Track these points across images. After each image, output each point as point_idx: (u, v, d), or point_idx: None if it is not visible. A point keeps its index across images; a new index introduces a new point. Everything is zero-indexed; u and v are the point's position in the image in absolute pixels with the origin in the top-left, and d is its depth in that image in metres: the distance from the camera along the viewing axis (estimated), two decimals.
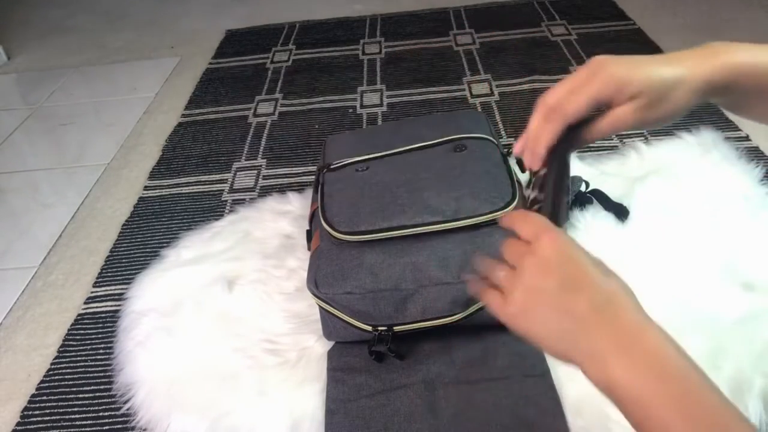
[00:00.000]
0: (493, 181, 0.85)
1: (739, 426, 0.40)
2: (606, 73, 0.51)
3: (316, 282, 0.81)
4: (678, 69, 0.50)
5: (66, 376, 0.92)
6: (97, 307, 1.04)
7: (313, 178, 1.26)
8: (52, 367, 0.94)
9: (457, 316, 0.78)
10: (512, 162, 0.96)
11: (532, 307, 0.45)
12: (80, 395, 0.89)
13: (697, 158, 1.13)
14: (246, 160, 1.38)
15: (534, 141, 0.53)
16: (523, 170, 0.95)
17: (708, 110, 1.34)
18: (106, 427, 0.85)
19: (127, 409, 0.86)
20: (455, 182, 0.86)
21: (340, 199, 0.87)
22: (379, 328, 0.79)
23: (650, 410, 0.39)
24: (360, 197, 0.87)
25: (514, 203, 0.82)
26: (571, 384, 0.79)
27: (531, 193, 0.56)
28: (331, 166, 0.97)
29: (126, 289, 1.05)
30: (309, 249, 0.95)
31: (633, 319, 0.42)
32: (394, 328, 0.79)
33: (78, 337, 0.99)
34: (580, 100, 0.50)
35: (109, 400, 0.88)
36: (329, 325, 0.85)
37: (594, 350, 0.42)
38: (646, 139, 1.28)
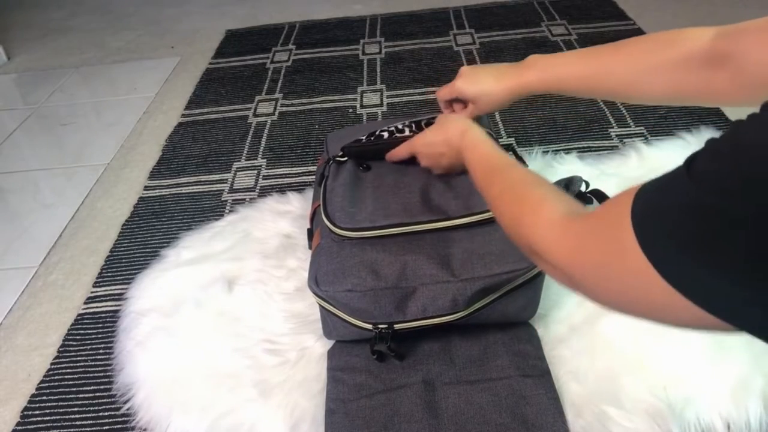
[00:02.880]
0: None
1: (511, 168, 0.66)
2: (456, 85, 0.86)
3: (316, 279, 0.81)
4: (500, 84, 0.82)
5: (66, 376, 0.93)
6: (97, 307, 1.04)
7: (313, 178, 1.26)
8: (52, 367, 0.94)
9: (457, 314, 0.78)
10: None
11: (428, 156, 0.86)
12: (80, 395, 0.89)
13: None
14: (246, 160, 1.38)
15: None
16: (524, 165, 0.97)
17: (708, 110, 1.34)
18: (106, 427, 0.85)
19: (127, 409, 0.86)
20: (454, 182, 0.86)
21: (342, 196, 0.87)
22: (380, 327, 0.79)
23: (473, 172, 0.73)
24: (362, 195, 0.87)
25: None
26: (571, 384, 0.79)
27: None
28: (338, 156, 0.96)
29: (126, 289, 1.05)
30: (310, 248, 0.95)
31: (473, 138, 0.76)
32: (395, 326, 0.79)
33: (78, 337, 0.99)
34: (441, 94, 0.90)
35: (109, 400, 0.88)
36: (329, 324, 0.85)
37: (460, 154, 0.78)
38: (646, 139, 1.28)
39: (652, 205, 0.36)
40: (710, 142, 0.34)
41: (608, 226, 0.41)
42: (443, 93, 0.89)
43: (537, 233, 0.50)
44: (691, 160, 0.34)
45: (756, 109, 0.33)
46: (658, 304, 0.36)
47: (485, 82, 0.83)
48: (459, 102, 0.90)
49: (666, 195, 0.35)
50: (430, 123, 0.92)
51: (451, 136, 0.80)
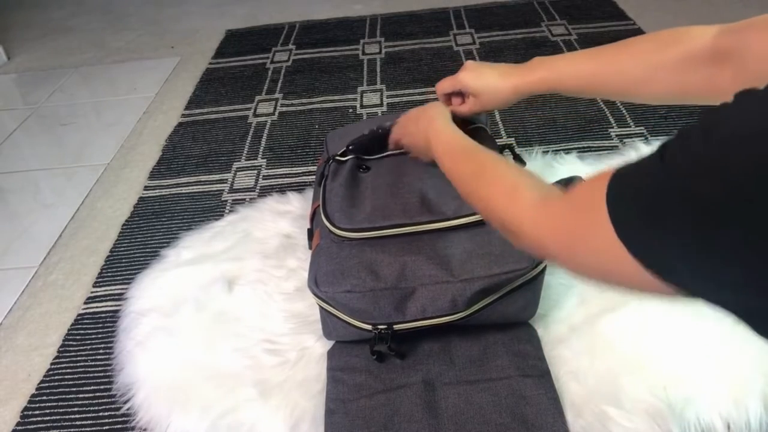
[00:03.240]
0: None
1: (480, 151, 0.68)
2: (460, 77, 0.85)
3: (316, 280, 0.81)
4: (505, 81, 0.81)
5: (66, 376, 0.93)
6: (97, 307, 1.04)
7: (313, 178, 1.26)
8: (52, 367, 0.94)
9: (457, 315, 0.78)
10: (509, 159, 0.96)
11: (409, 136, 0.88)
12: (80, 395, 0.89)
13: None
14: (246, 160, 1.38)
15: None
16: (523, 164, 0.97)
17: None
18: (106, 427, 0.85)
19: (127, 409, 0.86)
20: None
21: (342, 197, 0.87)
22: (379, 327, 0.79)
23: (440, 158, 0.74)
24: (361, 196, 0.87)
25: None
26: (571, 384, 0.79)
27: None
28: (338, 155, 0.96)
29: (126, 289, 1.05)
30: (310, 248, 0.95)
31: (440, 128, 0.78)
32: (394, 326, 0.79)
33: (78, 337, 0.99)
34: (443, 86, 0.88)
35: (109, 400, 0.88)
36: (329, 325, 0.85)
37: (428, 142, 0.79)
38: (646, 139, 1.28)
39: (626, 186, 0.38)
40: (683, 129, 0.35)
41: (584, 206, 0.43)
42: (445, 85, 0.88)
43: (513, 212, 0.53)
44: (665, 146, 0.36)
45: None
46: (626, 277, 0.39)
47: (490, 77, 0.82)
48: (458, 96, 0.89)
49: (639, 177, 0.37)
50: None
51: (420, 119, 0.83)
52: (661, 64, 0.69)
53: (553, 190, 0.53)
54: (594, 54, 0.76)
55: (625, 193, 0.38)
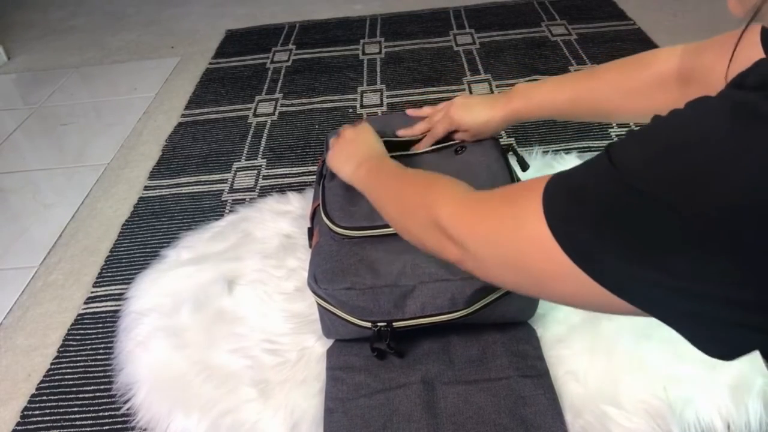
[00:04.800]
0: (494, 178, 0.86)
1: (411, 169, 0.71)
2: (451, 114, 0.90)
3: (315, 278, 0.81)
4: (494, 112, 0.87)
5: (66, 376, 0.93)
6: (97, 307, 1.04)
7: (313, 178, 1.26)
8: (52, 367, 0.94)
9: (456, 313, 0.78)
10: (512, 160, 0.97)
11: (337, 159, 0.86)
12: (80, 395, 0.89)
13: None
14: (246, 160, 1.38)
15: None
16: (524, 168, 0.97)
17: None
18: (106, 427, 0.85)
19: (127, 409, 0.86)
20: None
21: (341, 195, 0.87)
22: (379, 324, 0.79)
23: (370, 188, 0.76)
24: (360, 194, 0.87)
25: None
26: (571, 384, 0.79)
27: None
28: None
29: (126, 289, 1.05)
30: (310, 247, 0.95)
31: (375, 157, 0.81)
32: (394, 324, 0.79)
33: (78, 337, 0.99)
34: (437, 132, 0.93)
35: (109, 400, 0.88)
36: (327, 323, 0.85)
37: (358, 167, 0.80)
38: None
39: (566, 183, 0.39)
40: (630, 132, 0.37)
41: (516, 199, 0.43)
42: (439, 130, 0.93)
43: (442, 207, 0.53)
44: (609, 147, 0.36)
45: None
46: (549, 274, 0.38)
47: (480, 112, 0.88)
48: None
49: (581, 175, 0.38)
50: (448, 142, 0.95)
51: (370, 144, 0.85)
52: (632, 89, 0.73)
53: (485, 189, 0.54)
54: (571, 80, 0.82)
55: (565, 190, 0.38)
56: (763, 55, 0.57)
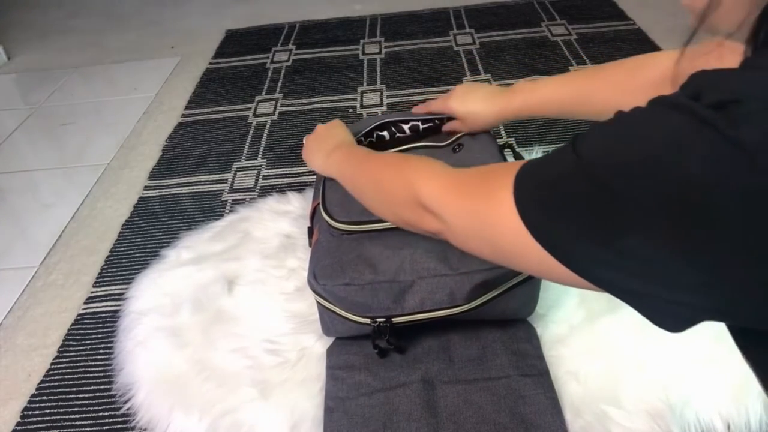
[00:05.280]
0: None
1: (385, 153, 0.75)
2: (449, 102, 0.92)
3: (314, 274, 0.81)
4: (490, 107, 0.87)
5: (66, 376, 0.93)
6: (97, 307, 1.04)
7: (313, 178, 1.26)
8: (52, 367, 0.94)
9: (456, 309, 0.78)
10: (510, 157, 0.97)
11: (309, 151, 0.91)
12: (80, 395, 0.89)
13: None
14: (246, 160, 1.38)
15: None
16: None
17: None
18: (106, 427, 0.85)
19: (127, 409, 0.86)
20: None
21: (341, 192, 0.87)
22: (378, 320, 0.79)
23: (344, 172, 0.79)
24: None
25: None
26: (570, 384, 0.79)
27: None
28: None
29: (126, 289, 1.05)
30: (310, 246, 0.95)
31: (345, 144, 0.85)
32: (393, 320, 0.79)
33: (78, 337, 0.99)
34: (433, 107, 0.95)
35: (109, 400, 0.88)
36: (327, 321, 0.85)
37: (330, 155, 0.84)
38: None
39: (536, 170, 0.42)
40: (595, 125, 0.39)
41: (492, 178, 0.46)
42: (435, 105, 0.95)
43: (422, 183, 0.56)
44: (575, 138, 0.39)
45: None
46: (519, 251, 0.42)
47: (476, 104, 0.89)
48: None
49: (549, 164, 0.41)
50: (441, 121, 0.97)
51: (338, 135, 0.88)
52: (632, 89, 0.75)
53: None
54: (570, 80, 0.83)
55: (534, 177, 0.42)
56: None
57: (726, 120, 0.31)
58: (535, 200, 0.40)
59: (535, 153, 1.22)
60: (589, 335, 0.84)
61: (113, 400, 0.88)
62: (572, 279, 0.39)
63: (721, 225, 0.31)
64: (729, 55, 0.48)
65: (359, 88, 1.62)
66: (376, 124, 0.99)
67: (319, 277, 0.80)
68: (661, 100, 0.36)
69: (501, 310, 0.82)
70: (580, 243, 0.37)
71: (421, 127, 0.98)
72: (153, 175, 1.37)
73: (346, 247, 0.82)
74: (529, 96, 0.85)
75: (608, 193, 0.35)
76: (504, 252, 0.45)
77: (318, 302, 0.84)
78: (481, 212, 0.46)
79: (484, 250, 0.49)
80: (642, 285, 0.36)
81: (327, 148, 0.86)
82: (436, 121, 0.97)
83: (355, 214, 0.83)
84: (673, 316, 0.37)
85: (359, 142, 0.96)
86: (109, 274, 1.11)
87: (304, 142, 0.94)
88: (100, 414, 0.86)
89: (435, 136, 0.98)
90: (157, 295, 1.00)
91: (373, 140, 0.99)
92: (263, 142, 1.44)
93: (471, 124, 0.91)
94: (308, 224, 0.99)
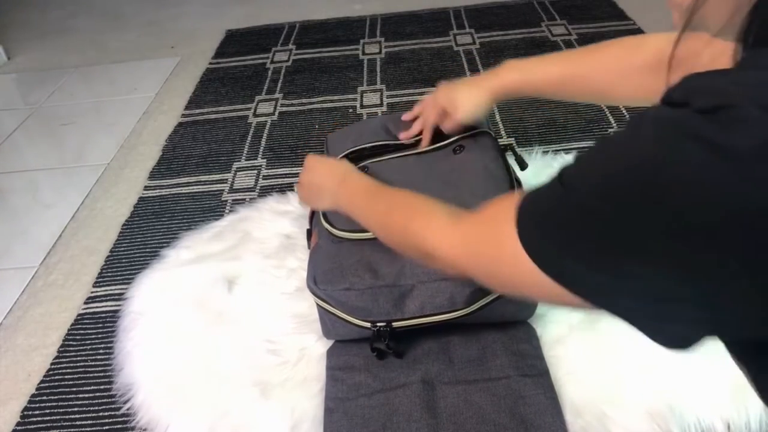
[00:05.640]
0: (492, 178, 0.86)
1: (394, 189, 0.74)
2: (434, 98, 0.92)
3: (315, 279, 0.81)
4: (477, 87, 0.85)
5: (66, 376, 0.93)
6: (97, 307, 1.04)
7: None
8: (52, 367, 0.94)
9: (456, 313, 0.78)
10: (511, 159, 0.97)
11: (309, 193, 0.87)
12: (80, 395, 0.89)
13: None
14: (246, 160, 1.38)
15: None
16: (522, 168, 0.97)
17: None
18: (106, 427, 0.85)
19: (127, 409, 0.86)
20: (455, 183, 0.86)
21: None
22: (378, 325, 0.79)
23: (354, 204, 0.77)
24: None
25: None
26: (570, 384, 0.79)
27: None
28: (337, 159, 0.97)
29: (126, 289, 1.05)
30: (309, 248, 0.95)
31: (352, 177, 0.81)
32: (393, 324, 0.79)
33: (78, 337, 0.99)
34: (428, 119, 0.94)
35: (109, 400, 0.88)
36: (327, 323, 0.85)
37: (336, 196, 0.81)
38: None
39: (532, 203, 0.43)
40: (578, 156, 0.40)
41: (493, 221, 0.47)
42: (431, 115, 0.93)
43: (427, 234, 0.57)
44: (563, 165, 0.40)
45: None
46: (536, 288, 0.42)
47: (462, 91, 0.88)
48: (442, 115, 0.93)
49: (543, 195, 0.42)
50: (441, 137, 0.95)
51: (335, 169, 0.84)
52: (627, 69, 0.74)
53: (464, 211, 0.57)
54: (563, 57, 0.81)
55: (531, 210, 0.42)
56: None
57: (718, 126, 0.30)
58: (539, 238, 0.41)
59: (535, 153, 1.22)
60: (589, 335, 0.84)
61: (113, 400, 0.88)
62: (582, 305, 0.39)
63: (718, 239, 0.30)
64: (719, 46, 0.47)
65: (359, 88, 1.62)
66: (371, 146, 0.98)
67: (319, 282, 0.80)
68: (642, 114, 0.35)
69: (500, 313, 0.82)
70: (587, 272, 0.37)
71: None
72: (153, 175, 1.37)
73: (346, 251, 0.82)
74: (519, 73, 0.83)
75: (601, 219, 0.35)
76: (515, 287, 0.47)
77: (318, 305, 0.84)
78: (490, 258, 0.47)
79: (495, 287, 0.52)
80: (642, 304, 0.36)
81: (330, 185, 0.82)
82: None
83: (355, 221, 0.83)
84: (678, 335, 0.37)
85: (365, 150, 0.96)
86: (109, 274, 1.11)
87: (298, 181, 0.91)
88: (100, 414, 0.86)
89: (436, 137, 0.97)
90: (157, 295, 1.00)
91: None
92: (263, 142, 1.44)
93: (463, 113, 0.88)
94: (307, 226, 0.99)
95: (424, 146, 0.95)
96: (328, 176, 0.84)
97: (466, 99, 0.87)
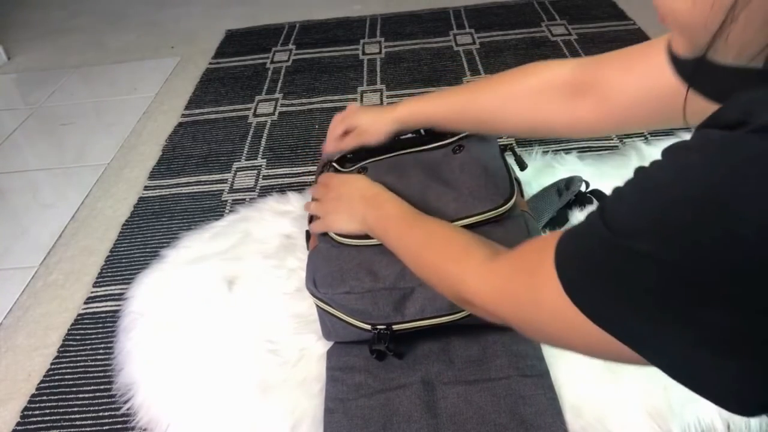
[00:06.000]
0: (492, 179, 0.85)
1: (429, 219, 0.72)
2: (345, 119, 0.93)
3: (315, 282, 0.81)
4: (383, 113, 0.89)
5: (66, 376, 0.93)
6: (97, 307, 1.04)
7: (313, 178, 1.26)
8: (52, 367, 0.94)
9: (456, 315, 0.78)
10: (510, 159, 0.96)
11: (333, 215, 0.84)
12: (80, 395, 0.89)
13: None
14: (246, 160, 1.38)
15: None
16: (522, 168, 0.97)
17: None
18: (106, 427, 0.85)
19: (127, 409, 0.86)
20: (454, 183, 0.86)
21: None
22: (378, 327, 0.79)
23: (386, 230, 0.75)
24: None
25: (513, 200, 0.82)
26: (570, 384, 0.79)
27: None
28: (333, 161, 0.97)
29: (126, 289, 1.05)
30: (308, 249, 0.95)
31: (386, 199, 0.78)
32: (393, 327, 0.79)
33: (78, 337, 0.99)
34: (336, 130, 0.95)
35: (109, 400, 0.88)
36: (327, 325, 0.85)
37: (365, 219, 0.79)
38: (646, 139, 1.28)
39: (573, 247, 0.40)
40: (616, 189, 0.37)
41: (530, 262, 0.44)
42: (338, 129, 0.94)
43: (464, 280, 0.55)
44: (603, 205, 0.37)
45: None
46: (577, 337, 0.39)
47: (370, 112, 0.92)
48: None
49: (585, 238, 0.38)
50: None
51: (366, 189, 0.82)
52: (515, 94, 0.75)
53: (501, 249, 0.55)
54: (456, 90, 0.84)
55: (573, 254, 0.39)
56: (666, 71, 0.58)
57: None
58: (584, 285, 0.38)
59: (535, 153, 1.22)
60: None
61: (113, 400, 0.88)
62: (637, 358, 0.36)
63: None
64: (649, 65, 0.46)
65: (359, 88, 1.62)
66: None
67: (319, 286, 0.80)
68: (684, 144, 0.32)
69: None
70: (638, 322, 0.34)
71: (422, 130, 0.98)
72: (153, 175, 1.37)
73: (347, 255, 0.82)
74: (416, 105, 0.86)
75: (661, 267, 0.31)
76: (555, 338, 0.44)
77: (318, 306, 0.84)
78: (529, 308, 0.45)
79: (538, 337, 0.49)
80: (711, 358, 0.32)
81: (361, 207, 0.80)
82: (421, 130, 0.96)
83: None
84: (758, 398, 0.32)
85: (363, 152, 0.96)
86: (109, 274, 1.11)
87: (313, 199, 0.90)
88: (100, 414, 0.86)
89: (438, 136, 0.97)
90: (157, 295, 1.00)
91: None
92: (263, 142, 1.44)
93: (365, 132, 0.91)
94: (307, 227, 0.99)
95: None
96: (358, 198, 0.81)
97: (373, 122, 0.90)
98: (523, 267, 0.46)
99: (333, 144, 0.95)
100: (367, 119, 0.91)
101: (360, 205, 0.80)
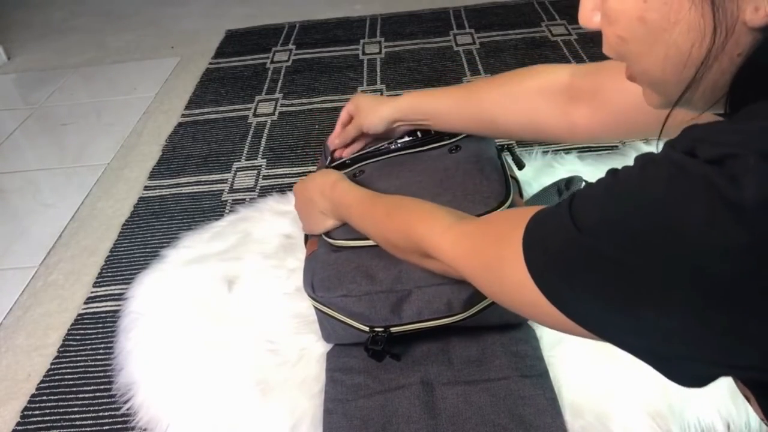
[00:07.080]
0: (487, 180, 0.85)
1: (392, 196, 0.76)
2: (348, 106, 0.94)
3: (312, 286, 0.81)
4: (384, 103, 0.89)
5: (66, 376, 0.93)
6: (97, 307, 1.04)
7: None
8: (52, 367, 0.94)
9: (453, 317, 0.78)
10: (508, 158, 0.96)
11: (307, 219, 0.89)
12: (80, 395, 0.89)
13: None
14: (246, 160, 1.38)
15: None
16: (520, 167, 0.97)
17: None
18: (106, 427, 0.85)
19: (127, 409, 0.86)
20: (450, 185, 0.86)
21: None
22: (376, 330, 0.79)
23: (350, 211, 0.77)
24: None
25: (509, 202, 0.82)
26: (570, 384, 0.79)
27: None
28: (332, 164, 0.97)
29: (126, 289, 1.05)
30: (306, 250, 0.95)
31: (342, 187, 0.81)
32: (391, 329, 0.79)
33: (78, 337, 0.99)
34: (348, 133, 0.96)
35: (109, 400, 0.88)
36: (327, 327, 0.85)
37: (334, 211, 0.82)
38: (646, 139, 1.28)
39: (541, 233, 0.42)
40: (588, 185, 0.40)
41: (501, 234, 0.47)
42: (344, 113, 0.96)
43: (431, 237, 0.57)
44: (573, 198, 0.39)
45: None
46: (535, 312, 0.43)
47: (372, 100, 0.92)
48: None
49: (550, 227, 0.41)
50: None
51: (323, 184, 0.84)
52: (516, 93, 0.76)
53: (468, 216, 0.57)
54: (462, 86, 0.85)
55: (539, 239, 0.42)
56: None
57: (725, 178, 0.30)
58: (545, 269, 0.41)
59: (535, 153, 1.22)
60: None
61: (113, 400, 0.88)
62: (586, 334, 0.40)
63: (731, 289, 0.31)
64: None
65: (359, 88, 1.62)
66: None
67: (317, 289, 0.81)
68: (653, 158, 0.35)
69: (499, 315, 0.82)
70: (595, 309, 0.38)
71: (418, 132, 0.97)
72: (153, 175, 1.37)
73: (344, 259, 0.82)
74: (415, 100, 0.87)
75: (616, 267, 0.35)
76: (516, 306, 0.47)
77: (317, 309, 0.84)
78: (495, 274, 0.47)
79: (492, 297, 0.52)
80: (657, 347, 0.36)
81: (322, 209, 0.84)
82: (418, 133, 0.96)
83: (353, 230, 0.82)
84: (692, 374, 0.37)
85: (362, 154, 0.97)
86: (109, 274, 1.11)
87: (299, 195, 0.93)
88: (100, 414, 0.87)
89: (433, 137, 0.97)
90: (157, 295, 1.00)
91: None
92: (263, 142, 1.44)
93: (364, 118, 0.91)
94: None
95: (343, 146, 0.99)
96: (319, 195, 0.84)
97: (373, 110, 0.90)
98: (495, 234, 0.49)
99: (338, 130, 0.97)
100: (369, 102, 0.92)
101: (322, 200, 0.84)
